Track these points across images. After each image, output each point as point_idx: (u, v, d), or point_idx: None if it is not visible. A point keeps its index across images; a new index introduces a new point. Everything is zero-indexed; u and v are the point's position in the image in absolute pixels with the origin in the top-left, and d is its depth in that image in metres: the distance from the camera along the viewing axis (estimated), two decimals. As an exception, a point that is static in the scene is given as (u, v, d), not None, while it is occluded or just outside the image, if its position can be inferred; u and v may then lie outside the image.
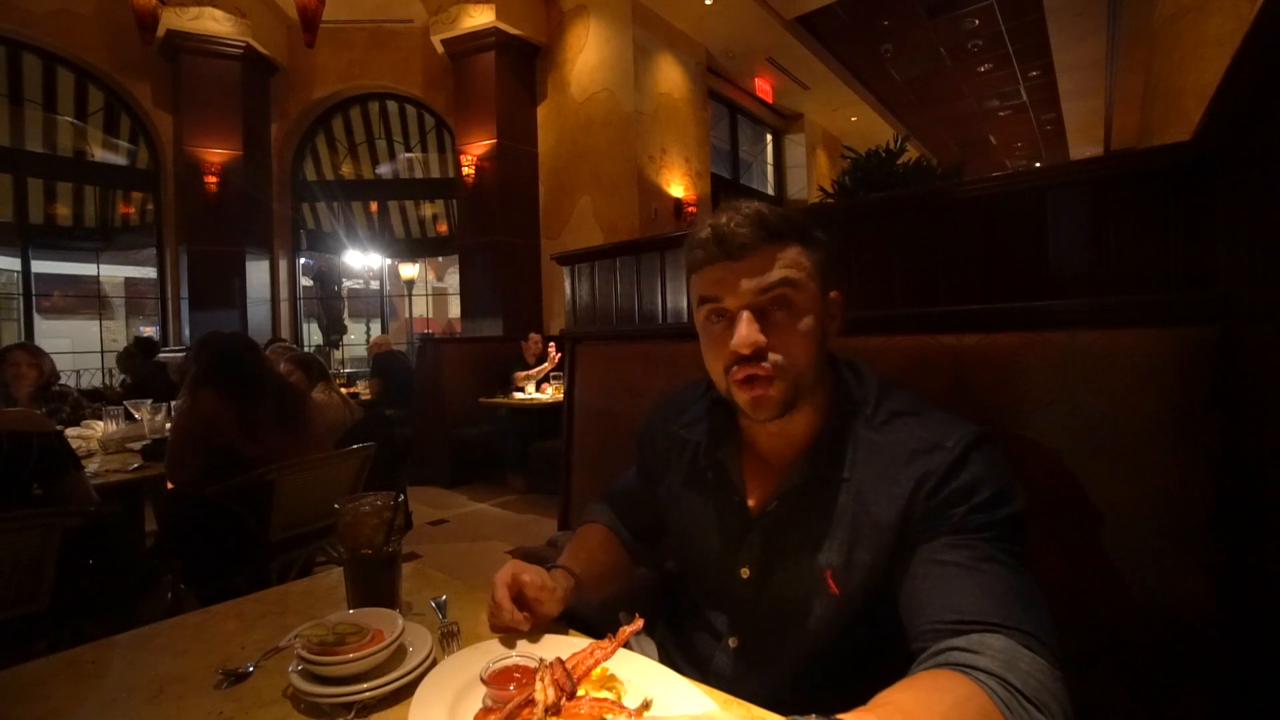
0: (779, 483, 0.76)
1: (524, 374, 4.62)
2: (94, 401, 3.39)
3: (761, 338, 0.69)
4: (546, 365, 4.68)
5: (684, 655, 0.84)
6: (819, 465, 0.73)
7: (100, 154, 6.26)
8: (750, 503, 0.79)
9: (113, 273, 7.47)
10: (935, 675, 0.54)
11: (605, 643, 0.64)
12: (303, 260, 7.27)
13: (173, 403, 2.88)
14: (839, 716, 0.46)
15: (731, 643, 0.78)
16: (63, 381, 3.20)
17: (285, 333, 6.79)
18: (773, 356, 0.70)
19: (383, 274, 7.99)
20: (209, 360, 2.03)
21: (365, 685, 0.64)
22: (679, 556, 0.91)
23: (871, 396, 0.75)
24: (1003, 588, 0.59)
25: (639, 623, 0.65)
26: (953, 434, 0.68)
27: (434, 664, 0.70)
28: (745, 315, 0.70)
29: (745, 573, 0.77)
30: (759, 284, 0.70)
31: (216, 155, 6.06)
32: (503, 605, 0.73)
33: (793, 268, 0.71)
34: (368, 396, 5.07)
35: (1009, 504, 0.65)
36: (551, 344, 4.86)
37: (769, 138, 9.27)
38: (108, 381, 6.07)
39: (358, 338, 8.80)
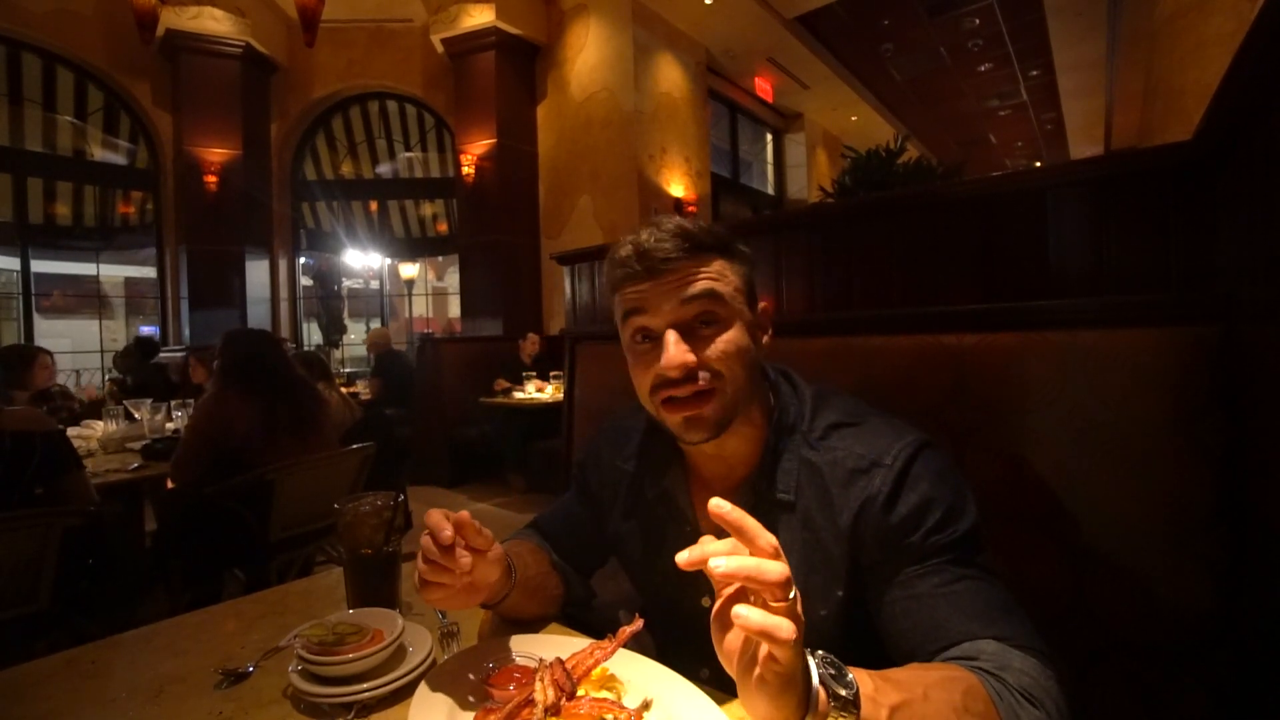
0: None
1: (505, 383, 4.65)
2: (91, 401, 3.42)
3: (690, 357, 0.66)
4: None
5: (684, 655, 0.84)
6: (762, 490, 0.72)
7: (100, 153, 6.25)
8: (702, 530, 0.76)
9: (112, 272, 7.47)
10: (928, 664, 0.57)
11: (605, 643, 0.64)
12: (303, 260, 7.26)
13: (172, 402, 2.88)
14: (849, 668, 0.48)
15: (703, 674, 0.77)
16: (61, 382, 3.27)
17: (285, 332, 6.79)
18: (703, 374, 0.67)
19: (383, 273, 7.99)
20: (235, 360, 2.03)
21: (365, 685, 0.64)
22: (635, 586, 0.89)
23: (807, 410, 0.74)
24: (980, 603, 0.59)
25: (639, 623, 0.65)
26: (891, 448, 0.67)
27: (434, 664, 0.70)
28: (671, 335, 0.66)
29: (707, 602, 0.75)
30: (683, 296, 0.67)
31: (216, 155, 6.05)
32: (440, 524, 0.62)
33: (717, 279, 0.68)
34: (368, 396, 5.07)
35: (963, 517, 0.64)
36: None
37: (769, 137, 9.27)
38: (109, 380, 6.07)
39: (358, 337, 8.79)
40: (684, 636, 0.78)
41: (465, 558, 0.63)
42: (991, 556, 0.65)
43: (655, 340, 0.69)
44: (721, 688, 0.75)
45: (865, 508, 0.66)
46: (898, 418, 0.73)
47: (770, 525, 0.70)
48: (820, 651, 0.47)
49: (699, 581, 0.75)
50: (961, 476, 0.68)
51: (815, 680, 0.44)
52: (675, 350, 0.66)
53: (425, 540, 0.63)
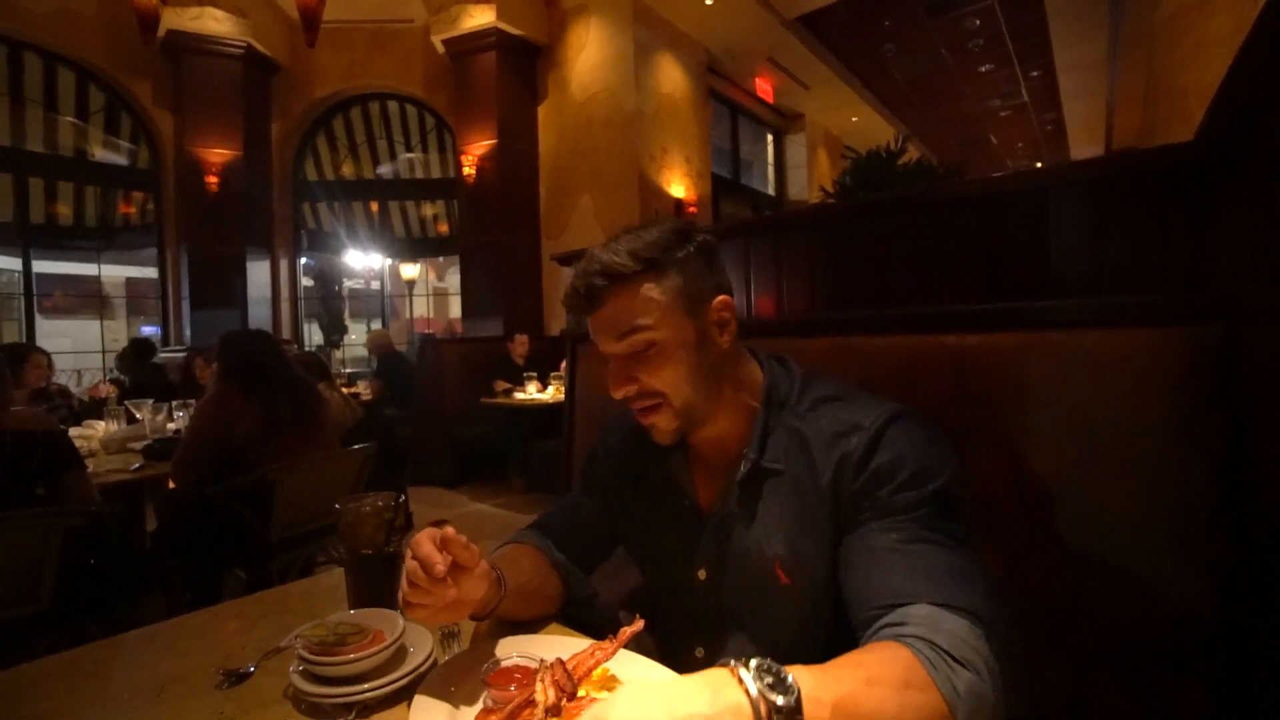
0: (722, 482, 0.78)
1: (506, 384, 4.65)
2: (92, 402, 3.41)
3: (630, 387, 0.73)
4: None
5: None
6: (755, 460, 0.74)
7: (101, 154, 6.25)
8: (701, 506, 0.80)
9: (114, 272, 7.47)
10: (867, 645, 0.56)
11: (606, 643, 0.64)
12: (304, 260, 7.26)
13: (173, 402, 2.89)
14: (775, 664, 0.46)
15: (699, 653, 0.79)
16: (61, 382, 3.25)
17: (286, 333, 6.79)
18: (649, 394, 0.73)
19: (384, 274, 7.99)
20: (235, 360, 2.03)
21: (366, 685, 0.64)
22: (637, 561, 0.92)
23: (796, 386, 0.77)
24: (934, 566, 0.59)
25: (640, 624, 0.65)
26: (870, 414, 0.69)
27: (434, 664, 0.70)
28: (612, 366, 0.73)
29: (702, 574, 0.78)
30: (615, 332, 0.72)
31: (217, 155, 6.05)
32: (432, 558, 0.62)
33: (643, 308, 0.70)
34: (369, 396, 5.07)
35: (935, 478, 0.64)
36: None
37: (770, 137, 9.26)
38: (110, 380, 6.07)
39: (359, 338, 8.80)
40: (681, 612, 0.82)
41: (451, 589, 0.64)
42: (967, 530, 0.64)
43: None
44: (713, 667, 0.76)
45: (842, 465, 0.68)
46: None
47: (764, 491, 0.74)
48: (755, 661, 0.46)
49: (694, 555, 0.79)
50: (946, 446, 0.68)
51: (754, 693, 0.43)
52: (613, 384, 0.74)
53: (412, 565, 0.64)
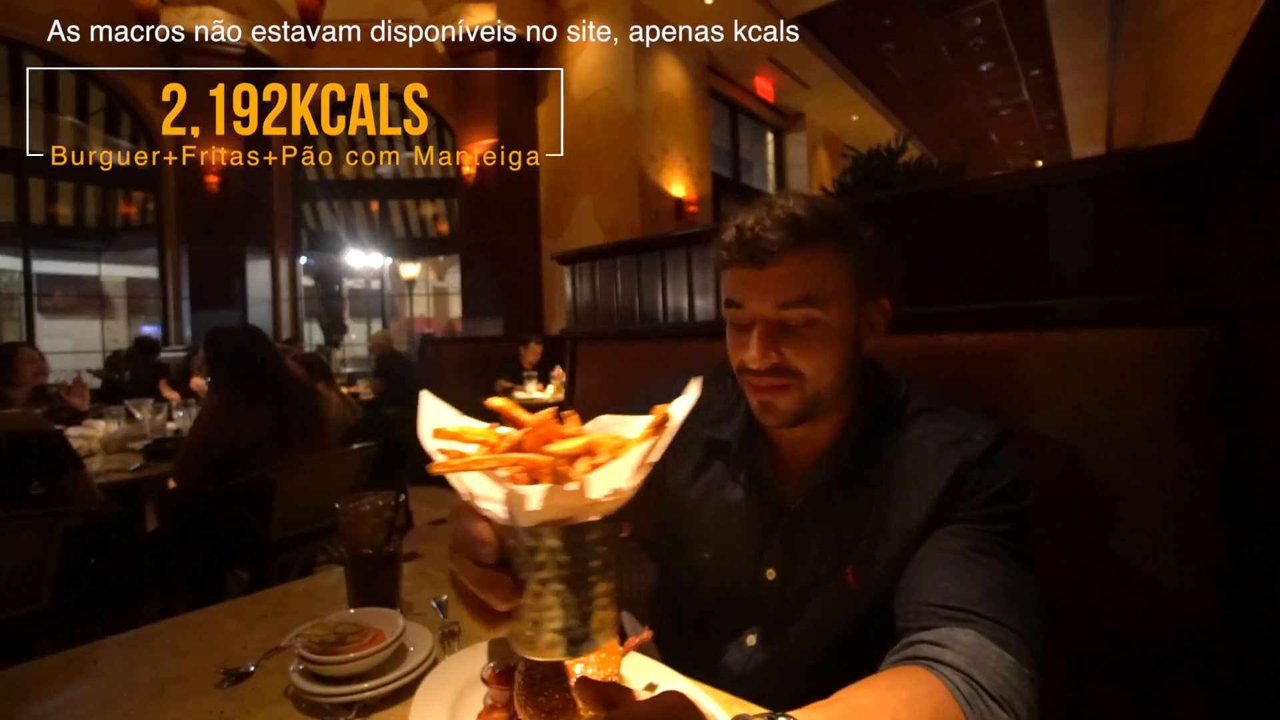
0: (803, 481, 0.74)
1: (507, 383, 4.63)
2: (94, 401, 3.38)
3: (773, 357, 0.66)
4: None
5: (689, 653, 0.82)
6: (844, 463, 0.72)
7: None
8: (787, 501, 0.76)
9: (114, 272, 7.47)
10: (897, 672, 0.54)
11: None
12: (304, 260, 7.26)
13: (173, 402, 2.88)
14: (792, 713, 0.45)
15: (749, 640, 0.76)
16: (56, 382, 3.21)
17: (286, 332, 6.78)
18: (789, 370, 0.66)
19: (384, 273, 7.99)
20: (231, 362, 2.02)
21: (366, 685, 0.64)
22: (688, 552, 0.86)
23: (897, 395, 0.74)
24: (994, 582, 0.58)
25: (647, 634, 0.64)
26: (979, 428, 0.68)
27: (435, 664, 0.70)
28: (759, 330, 0.66)
29: (770, 572, 0.75)
30: (781, 297, 0.65)
31: (217, 155, 6.05)
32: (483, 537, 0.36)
33: (821, 279, 0.65)
34: (368, 396, 5.07)
35: (1021, 498, 0.65)
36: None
37: (770, 137, 9.26)
38: (118, 379, 6.05)
39: (359, 337, 8.80)
40: (733, 602, 0.78)
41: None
42: (1031, 554, 0.63)
43: (748, 328, 0.69)
44: (760, 656, 0.75)
45: (960, 473, 0.65)
46: None
47: (848, 496, 0.71)
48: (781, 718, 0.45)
49: (763, 551, 0.75)
50: (1027, 468, 0.68)
51: None
52: (758, 350, 0.66)
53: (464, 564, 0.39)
